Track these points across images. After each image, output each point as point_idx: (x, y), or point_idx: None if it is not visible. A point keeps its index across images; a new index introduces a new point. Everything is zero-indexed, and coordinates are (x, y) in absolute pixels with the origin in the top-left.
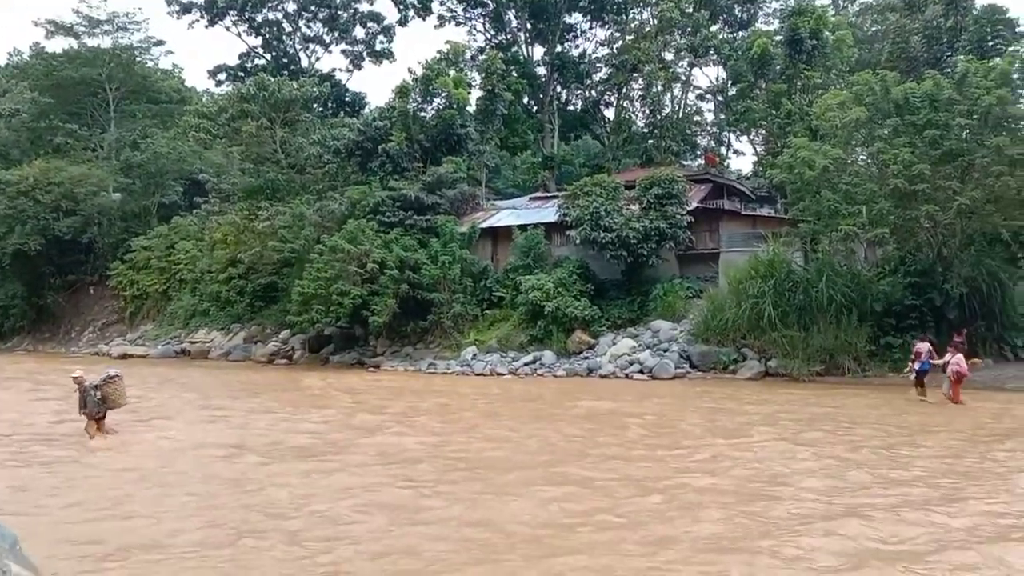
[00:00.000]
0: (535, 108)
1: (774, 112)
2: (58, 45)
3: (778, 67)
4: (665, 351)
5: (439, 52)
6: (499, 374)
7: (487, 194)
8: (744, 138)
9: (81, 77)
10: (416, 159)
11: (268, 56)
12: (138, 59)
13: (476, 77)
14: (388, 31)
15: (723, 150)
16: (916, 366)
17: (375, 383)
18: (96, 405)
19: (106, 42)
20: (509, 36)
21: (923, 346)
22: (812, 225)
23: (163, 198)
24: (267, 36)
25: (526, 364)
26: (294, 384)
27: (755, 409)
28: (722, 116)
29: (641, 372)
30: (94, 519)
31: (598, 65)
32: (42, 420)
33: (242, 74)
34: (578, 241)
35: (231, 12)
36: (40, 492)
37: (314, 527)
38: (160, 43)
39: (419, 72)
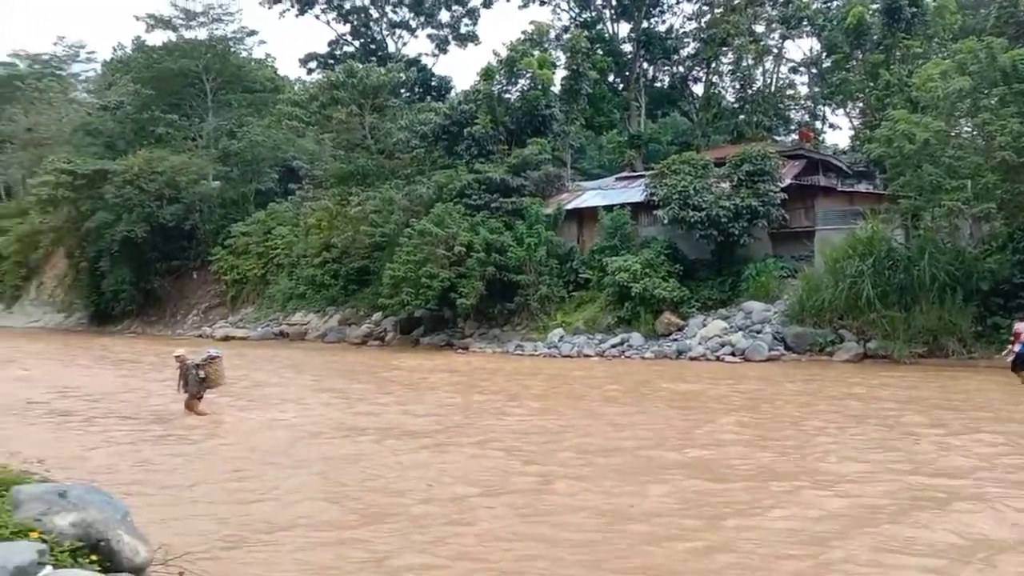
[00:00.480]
0: (621, 86)
1: (871, 84)
2: (158, 38)
3: (875, 36)
4: (758, 333)
5: (523, 33)
6: (586, 356)
7: (572, 175)
8: (840, 111)
9: (180, 69)
10: (501, 141)
11: (356, 43)
12: (233, 50)
13: (560, 57)
14: (473, 13)
15: (818, 124)
16: (1016, 347)
17: (469, 364)
18: (197, 384)
19: (202, 34)
20: (594, 14)
21: (1023, 326)
22: (913, 201)
23: (259, 185)
24: (355, 23)
25: (613, 346)
26: (391, 365)
27: (888, 395)
28: (816, 89)
29: (733, 354)
30: (207, 496)
31: (686, 40)
32: (160, 400)
33: (331, 61)
34: (666, 221)
35: (320, 0)
36: (153, 469)
37: (438, 510)
38: (253, 33)
39: (503, 54)
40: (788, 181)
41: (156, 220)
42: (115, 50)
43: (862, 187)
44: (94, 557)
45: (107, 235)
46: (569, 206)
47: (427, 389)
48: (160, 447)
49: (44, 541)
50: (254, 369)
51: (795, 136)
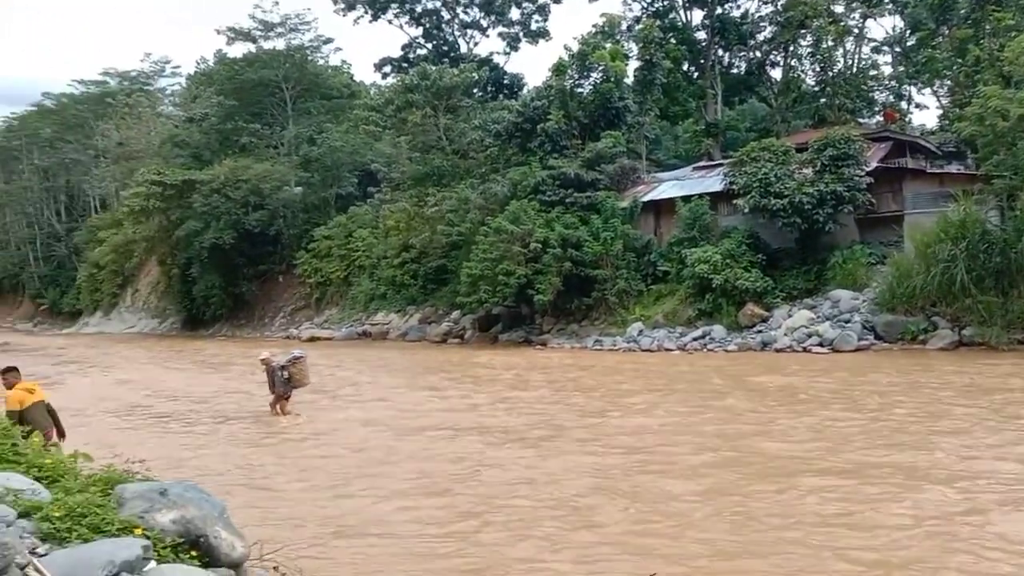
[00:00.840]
0: (695, 74)
1: (959, 60)
2: (238, 50)
3: (962, 11)
4: (846, 322)
5: (594, 26)
6: (667, 350)
7: (648, 167)
8: (926, 90)
9: (260, 79)
10: (575, 136)
11: (429, 45)
12: (310, 58)
13: (633, 48)
14: (543, 10)
15: (903, 105)
16: None
17: (549, 360)
18: (283, 385)
19: (280, 44)
20: (665, 3)
21: None
22: (1008, 180)
23: (339, 189)
24: (427, 26)
25: (695, 339)
26: (473, 362)
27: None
28: (901, 68)
29: (821, 345)
30: (302, 494)
31: (762, 24)
32: (256, 401)
33: (405, 65)
34: (746, 210)
35: (393, 5)
36: (249, 468)
37: (550, 510)
38: (329, 41)
39: (575, 48)
40: (874, 164)
41: (242, 227)
42: (198, 64)
43: (953, 168)
44: (194, 553)
45: (196, 242)
46: (645, 198)
47: (516, 386)
48: (257, 447)
49: (147, 537)
50: (343, 369)
51: (880, 118)
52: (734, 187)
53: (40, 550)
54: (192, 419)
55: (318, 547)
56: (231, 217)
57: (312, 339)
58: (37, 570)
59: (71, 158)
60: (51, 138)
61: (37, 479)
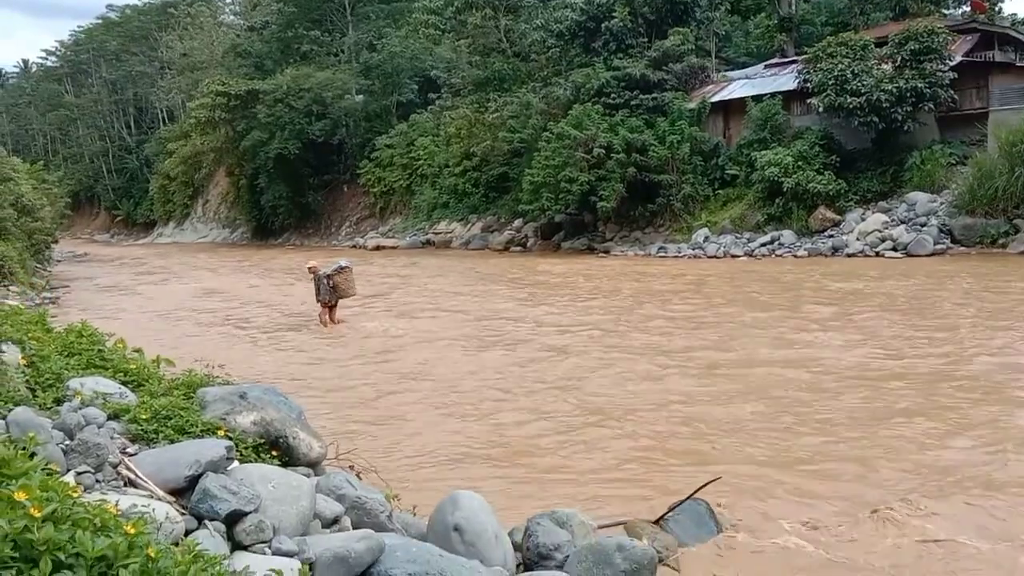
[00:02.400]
0: None
1: None
2: None
3: None
4: (922, 226)
5: None
6: (733, 256)
7: (717, 65)
8: None
9: None
10: (640, 34)
11: None
12: None
13: None
14: None
15: None
16: None
17: (619, 268)
18: (328, 294)
19: None
20: None
21: None
22: None
23: (400, 97)
24: None
25: (763, 244)
26: (541, 270)
27: None
28: None
29: (894, 249)
30: (370, 399)
31: None
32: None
33: None
34: (821, 109)
35: None
36: (321, 373)
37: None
38: None
39: None
40: (958, 59)
41: (306, 136)
42: None
43: None
44: (274, 453)
45: (262, 153)
46: (714, 99)
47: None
48: (329, 352)
49: (230, 438)
50: (418, 277)
51: (967, 8)
52: (808, 85)
53: (130, 450)
54: (267, 326)
55: (385, 448)
56: (295, 127)
57: (377, 248)
58: (128, 468)
59: (137, 70)
60: (117, 51)
61: (123, 383)
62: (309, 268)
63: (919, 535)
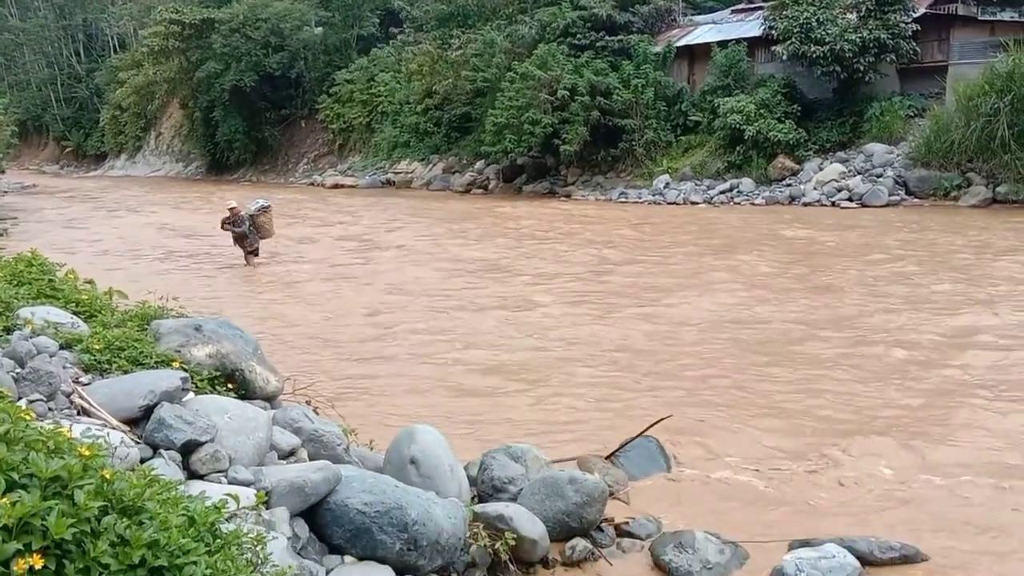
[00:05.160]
0: None
1: None
2: None
3: None
4: (878, 177)
5: None
6: (693, 203)
7: (684, 8)
8: None
9: None
10: None
11: None
12: None
13: None
14: None
15: None
16: None
17: (582, 213)
18: (252, 236)
19: None
20: None
21: None
22: None
23: (361, 30)
24: None
25: (722, 192)
26: (503, 214)
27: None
28: None
29: (850, 199)
30: (326, 333)
31: None
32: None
33: None
34: (785, 57)
35: None
36: (277, 310)
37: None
38: None
39: None
40: (922, 10)
41: (263, 69)
42: None
43: (1006, 15)
44: (230, 386)
45: (217, 85)
46: (680, 43)
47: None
48: (282, 290)
49: (185, 370)
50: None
51: None
52: (773, 32)
53: (83, 379)
54: (221, 261)
55: (344, 382)
56: (251, 58)
57: (336, 186)
58: (81, 397)
59: None
60: None
61: (75, 314)
62: (230, 209)
63: (857, 472)
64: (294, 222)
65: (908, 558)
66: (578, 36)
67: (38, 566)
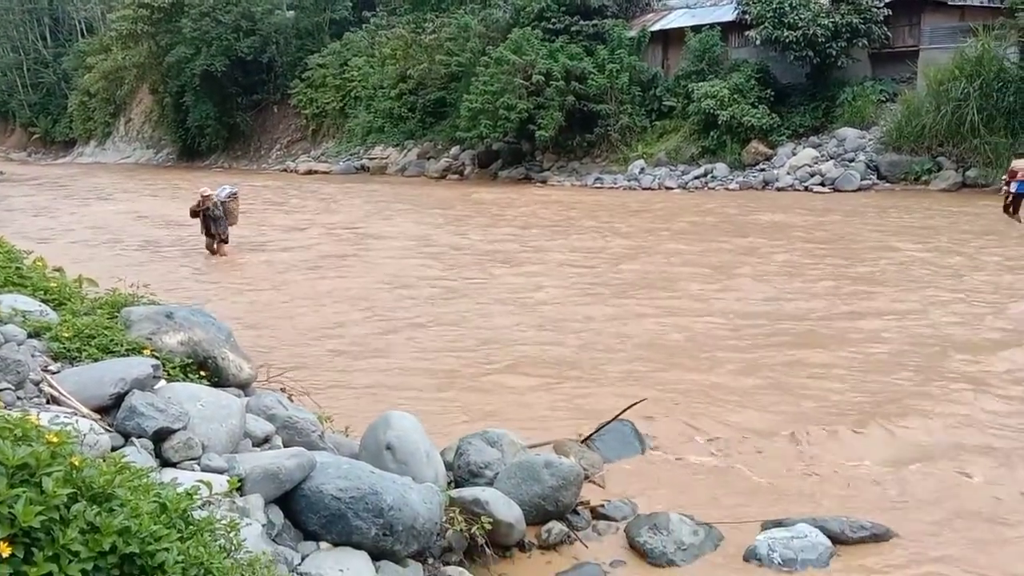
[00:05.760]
0: None
1: None
2: None
3: None
4: (851, 161)
5: None
6: (667, 188)
7: None
8: None
9: None
10: None
11: None
12: None
13: None
14: None
15: None
16: (1013, 187)
17: (558, 198)
18: (219, 222)
19: None
20: None
21: (1021, 164)
22: None
23: (334, 14)
24: None
25: (696, 177)
26: (478, 200)
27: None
28: None
29: (823, 184)
30: (301, 323)
31: None
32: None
33: None
34: (758, 42)
35: None
36: (252, 298)
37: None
38: None
39: None
40: None
41: (234, 53)
42: None
43: (976, 1)
44: (202, 373)
45: (188, 69)
46: (654, 27)
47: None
48: (260, 278)
49: (156, 357)
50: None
51: None
52: (747, 17)
53: (52, 368)
54: (192, 250)
55: (319, 370)
56: (222, 43)
57: (309, 172)
58: (51, 385)
59: None
60: None
61: (44, 302)
62: (203, 195)
63: (830, 456)
64: (269, 210)
65: (878, 536)
66: (553, 20)
67: (5, 554)
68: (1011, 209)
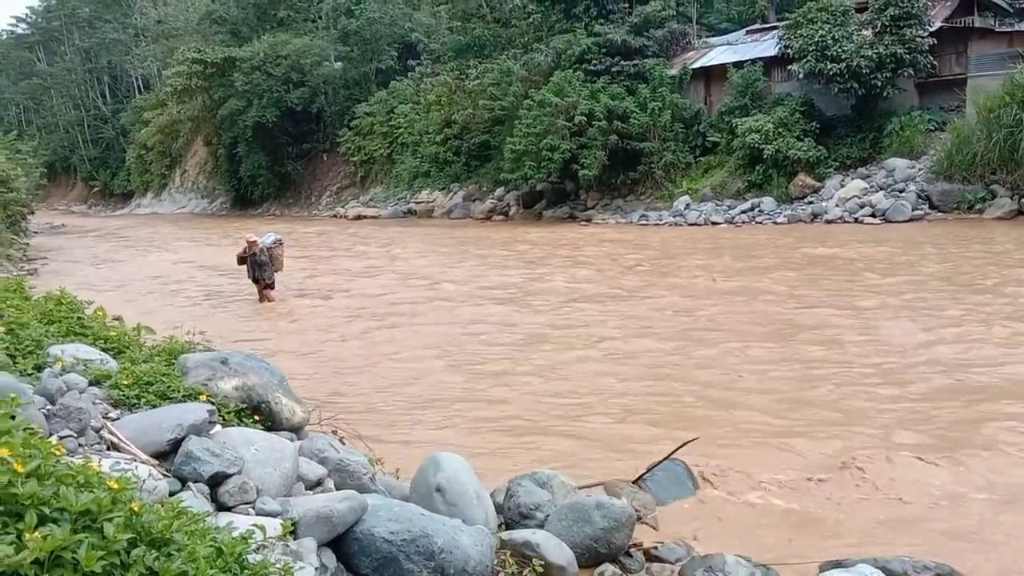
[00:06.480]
0: None
1: None
2: None
3: None
4: (901, 192)
5: None
6: (714, 223)
7: (699, 31)
8: None
9: None
10: None
11: None
12: None
13: None
14: None
15: None
16: None
17: (595, 236)
18: (262, 269)
19: None
20: None
21: None
22: None
23: (379, 64)
24: None
25: (743, 212)
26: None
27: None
28: None
29: (873, 215)
30: (352, 367)
31: None
32: (313, 280)
33: None
34: (801, 75)
35: None
36: (306, 343)
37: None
38: None
39: None
40: (938, 24)
41: (284, 105)
42: None
43: None
44: (256, 417)
45: (240, 121)
46: (695, 65)
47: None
48: (311, 323)
49: (212, 403)
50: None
51: None
52: (789, 51)
53: (112, 415)
54: (247, 297)
55: (369, 414)
56: (273, 95)
57: (358, 217)
58: (111, 432)
59: (111, 38)
60: (90, 18)
61: (104, 350)
62: (249, 242)
63: (888, 491)
64: (314, 255)
65: None
66: (593, 62)
67: None
68: None
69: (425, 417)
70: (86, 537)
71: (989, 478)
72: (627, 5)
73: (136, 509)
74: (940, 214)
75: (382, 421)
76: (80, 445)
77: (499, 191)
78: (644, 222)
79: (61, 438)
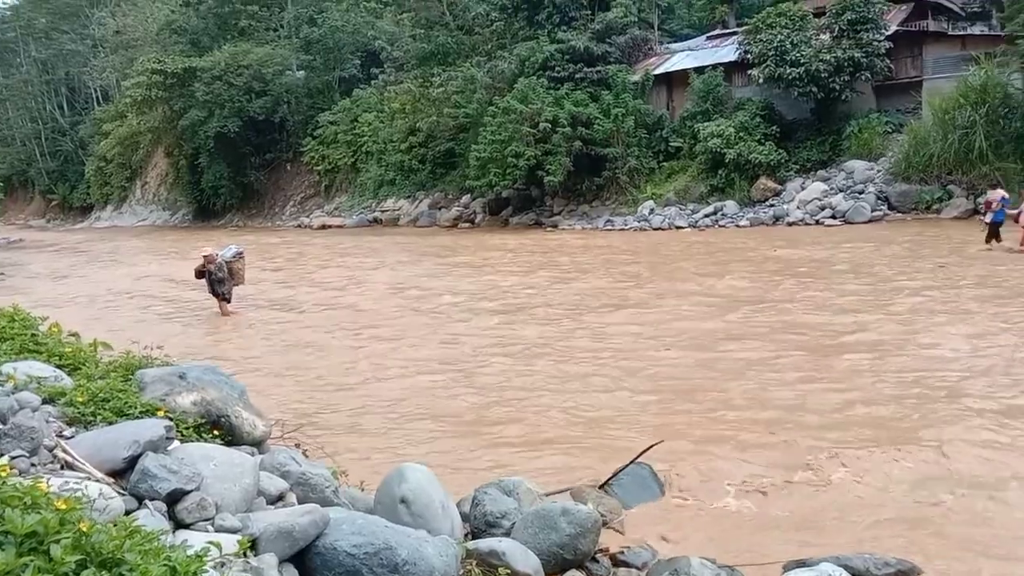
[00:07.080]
0: None
1: None
2: None
3: None
4: (860, 193)
5: None
6: (678, 227)
7: (660, 37)
8: None
9: None
10: (583, 6)
11: None
12: None
13: None
14: None
15: None
16: (988, 217)
17: (562, 241)
18: (222, 283)
19: None
20: None
21: (996, 194)
22: None
23: (343, 72)
24: None
25: (706, 216)
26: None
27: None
28: None
29: (833, 217)
30: (313, 380)
31: None
32: (273, 291)
33: None
34: (761, 80)
35: None
36: (263, 355)
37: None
38: None
39: None
40: (894, 28)
41: (246, 114)
42: None
43: (976, 29)
44: (216, 432)
45: (201, 132)
46: (657, 71)
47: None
48: (270, 335)
49: (170, 419)
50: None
51: None
52: (749, 56)
53: (66, 433)
54: (205, 310)
55: (333, 426)
56: (234, 105)
57: (323, 227)
58: (65, 451)
59: (68, 49)
60: (46, 28)
61: (59, 367)
62: (205, 257)
63: (846, 489)
64: (280, 265)
65: (904, 573)
66: (557, 69)
67: None
68: (991, 239)
69: (390, 428)
70: (32, 560)
71: (952, 468)
72: (589, 12)
73: (85, 529)
74: (899, 215)
75: (347, 433)
76: (33, 465)
77: (465, 198)
78: (609, 227)
79: (13, 458)
